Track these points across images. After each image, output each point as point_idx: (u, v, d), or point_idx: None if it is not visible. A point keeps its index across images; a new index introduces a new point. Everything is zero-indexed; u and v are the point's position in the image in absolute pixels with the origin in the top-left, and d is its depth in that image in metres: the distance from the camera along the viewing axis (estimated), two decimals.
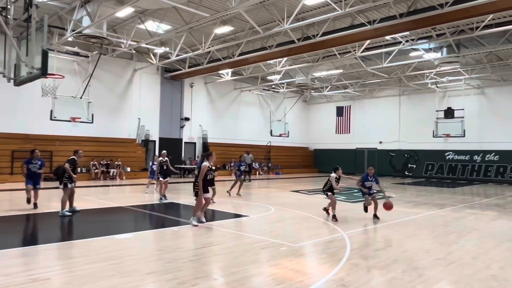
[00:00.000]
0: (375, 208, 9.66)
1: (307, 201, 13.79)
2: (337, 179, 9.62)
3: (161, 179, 12.64)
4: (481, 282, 5.13)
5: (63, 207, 9.35)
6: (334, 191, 9.60)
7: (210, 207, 9.84)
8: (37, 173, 10.20)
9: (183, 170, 24.76)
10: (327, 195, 9.71)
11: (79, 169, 12.65)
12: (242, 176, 14.80)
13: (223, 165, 26.88)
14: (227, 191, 14.42)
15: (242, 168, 14.59)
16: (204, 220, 8.62)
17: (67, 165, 9.40)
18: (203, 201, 8.44)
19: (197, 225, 8.13)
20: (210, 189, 8.92)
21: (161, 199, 12.53)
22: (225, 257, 6.19)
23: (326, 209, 9.89)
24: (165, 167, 12.68)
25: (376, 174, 10.03)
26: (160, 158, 12.79)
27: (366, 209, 9.87)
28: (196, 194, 8.46)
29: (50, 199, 12.20)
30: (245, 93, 30.25)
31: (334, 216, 9.40)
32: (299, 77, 24.79)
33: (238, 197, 13.93)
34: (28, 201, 10.10)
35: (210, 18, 14.96)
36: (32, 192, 10.14)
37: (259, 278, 5.18)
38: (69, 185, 9.45)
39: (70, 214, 9.43)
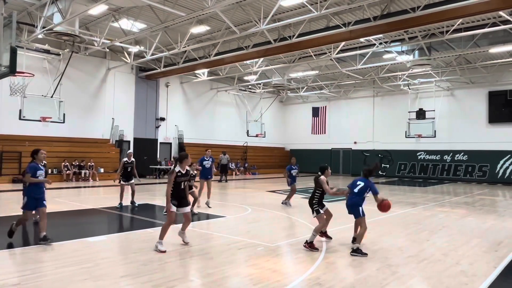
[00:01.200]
0: (356, 232, 7.00)
1: None
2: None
3: (122, 182, 11.36)
4: (452, 278, 5.29)
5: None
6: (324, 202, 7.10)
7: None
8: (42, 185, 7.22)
9: (159, 171, 24.46)
10: (318, 212, 6.85)
11: (49, 171, 12.09)
12: (295, 184, 12.21)
13: None
14: (284, 202, 12.13)
15: (294, 172, 12.06)
16: (187, 240, 6.83)
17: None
18: (174, 218, 6.52)
19: (164, 251, 6.24)
20: (190, 198, 7.31)
21: (120, 204, 11.18)
22: (201, 258, 6.13)
23: (321, 233, 7.21)
24: (129, 169, 11.35)
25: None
26: (125, 159, 11.43)
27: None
28: None
29: (19, 202, 11.76)
30: (221, 93, 30.15)
31: (306, 243, 6.62)
32: (275, 77, 24.91)
33: (285, 206, 11.97)
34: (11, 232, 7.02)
35: (186, 17, 14.81)
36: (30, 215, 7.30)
37: (236, 279, 5.16)
38: None
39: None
